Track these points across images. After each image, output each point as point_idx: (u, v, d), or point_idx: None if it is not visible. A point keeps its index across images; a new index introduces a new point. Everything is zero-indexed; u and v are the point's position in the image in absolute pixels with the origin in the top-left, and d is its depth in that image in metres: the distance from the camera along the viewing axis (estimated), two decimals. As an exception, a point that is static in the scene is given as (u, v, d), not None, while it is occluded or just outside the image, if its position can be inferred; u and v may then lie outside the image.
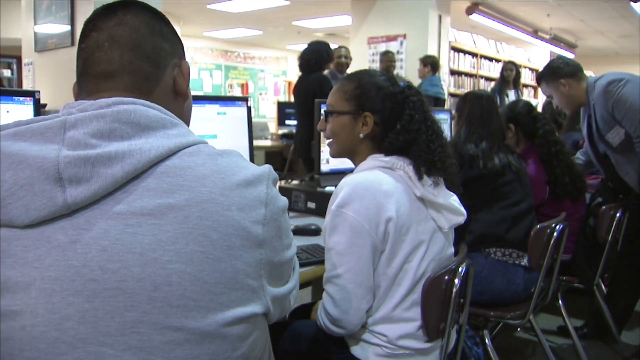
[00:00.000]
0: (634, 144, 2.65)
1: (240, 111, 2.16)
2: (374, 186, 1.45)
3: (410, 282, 1.49)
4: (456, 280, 1.50)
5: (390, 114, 1.57)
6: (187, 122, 1.05)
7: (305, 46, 5.06)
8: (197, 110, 2.04)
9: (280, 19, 10.60)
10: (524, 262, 2.27)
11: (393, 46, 7.72)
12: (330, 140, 1.68)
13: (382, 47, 7.63)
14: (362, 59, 7.95)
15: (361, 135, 1.59)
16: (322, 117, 1.71)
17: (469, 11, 8.32)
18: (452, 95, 8.34)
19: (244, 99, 2.19)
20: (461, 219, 1.59)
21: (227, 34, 12.88)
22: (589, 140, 2.95)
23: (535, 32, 10.51)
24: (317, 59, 4.82)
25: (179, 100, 1.00)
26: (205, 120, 2.05)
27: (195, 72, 13.53)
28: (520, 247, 2.29)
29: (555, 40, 11.09)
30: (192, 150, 0.88)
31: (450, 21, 7.99)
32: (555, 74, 2.89)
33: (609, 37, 11.40)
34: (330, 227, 1.46)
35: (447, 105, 7.80)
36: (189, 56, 13.36)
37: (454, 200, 1.59)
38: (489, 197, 2.34)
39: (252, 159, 2.20)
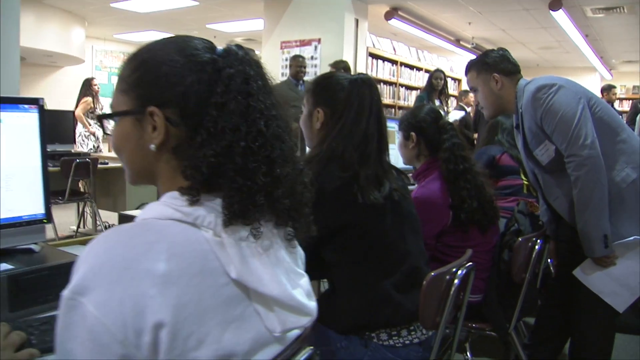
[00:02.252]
0: (565, 164, 2.17)
1: (26, 118, 1.54)
2: (140, 264, 0.79)
3: None
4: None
5: (194, 104, 0.89)
6: None
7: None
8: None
9: (192, 21, 9.97)
10: (418, 336, 1.66)
11: (308, 51, 7.23)
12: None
13: (296, 52, 7.12)
14: (275, 64, 7.42)
15: (152, 146, 0.91)
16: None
17: (388, 16, 7.93)
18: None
19: (33, 101, 1.57)
20: (305, 320, 0.97)
21: (138, 37, 12.09)
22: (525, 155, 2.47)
23: (457, 41, 10.28)
24: None
25: None
26: (-34, 131, 1.43)
27: (104, 77, 12.69)
28: (413, 317, 1.65)
29: (477, 49, 10.88)
30: None
31: (368, 26, 7.58)
32: (491, 65, 2.37)
33: (529, 48, 11.33)
34: (62, 324, 0.79)
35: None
36: (97, 60, 12.67)
37: (301, 286, 0.98)
38: (360, 258, 1.63)
39: (47, 186, 1.58)
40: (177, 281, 0.80)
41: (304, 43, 7.34)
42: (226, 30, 10.57)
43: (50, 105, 5.51)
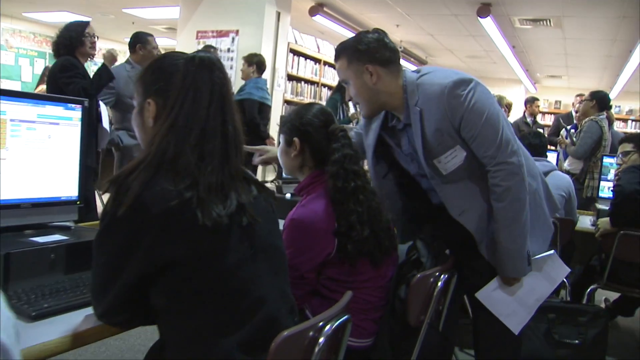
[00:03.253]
0: (476, 171, 1.88)
1: None
2: None
3: None
4: None
5: None
6: None
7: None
8: None
9: (108, 4, 9.30)
10: None
11: (224, 43, 6.75)
12: None
13: (212, 43, 6.63)
14: (189, 55, 6.90)
15: None
16: None
17: (313, 12, 7.55)
18: (288, 102, 7.49)
19: None
20: None
21: (51, 17, 11.23)
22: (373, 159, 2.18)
23: (385, 44, 10.00)
24: (62, 42, 3.91)
25: None
26: None
27: (11, 58, 11.73)
28: None
29: (405, 54, 10.68)
30: None
31: (291, 21, 7.16)
32: (364, 53, 1.90)
33: (457, 55, 11.22)
34: None
35: (278, 113, 6.94)
36: (3, 39, 11.69)
37: None
38: (194, 305, 1.21)
39: None
40: None
41: (221, 34, 6.85)
42: (144, 16, 9.93)
43: None
